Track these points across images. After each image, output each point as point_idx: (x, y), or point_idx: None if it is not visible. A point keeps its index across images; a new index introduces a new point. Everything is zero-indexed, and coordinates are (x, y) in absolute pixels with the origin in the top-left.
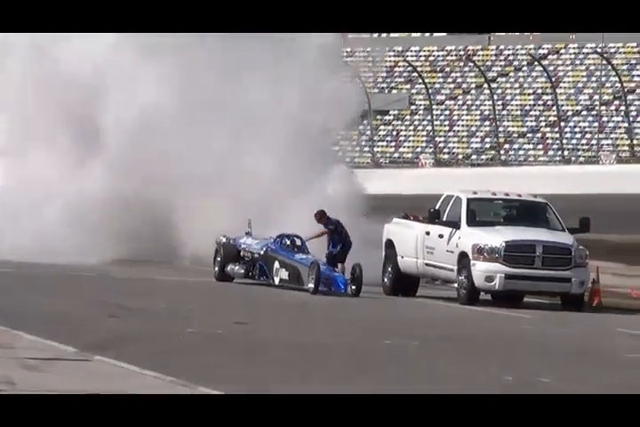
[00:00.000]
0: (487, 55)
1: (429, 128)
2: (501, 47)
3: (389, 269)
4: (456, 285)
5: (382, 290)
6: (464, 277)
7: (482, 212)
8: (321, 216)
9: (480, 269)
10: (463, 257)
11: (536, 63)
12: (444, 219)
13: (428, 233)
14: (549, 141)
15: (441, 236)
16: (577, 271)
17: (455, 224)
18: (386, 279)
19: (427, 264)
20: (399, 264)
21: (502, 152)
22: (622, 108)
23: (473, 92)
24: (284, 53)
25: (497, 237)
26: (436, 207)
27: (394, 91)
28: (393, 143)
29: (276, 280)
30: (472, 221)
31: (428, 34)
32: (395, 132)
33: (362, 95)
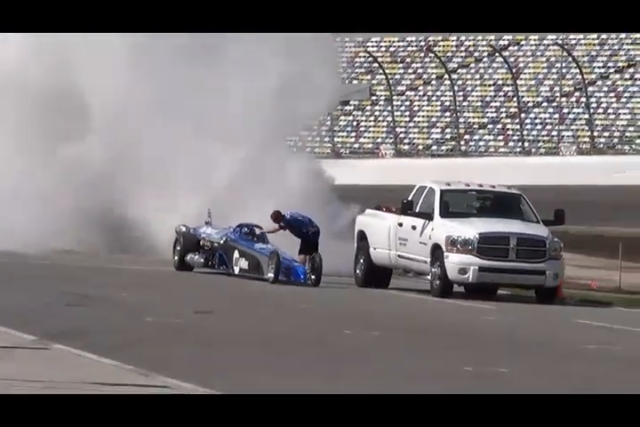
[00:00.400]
0: (448, 46)
1: (390, 119)
2: (462, 38)
3: (361, 260)
4: (429, 277)
5: (355, 281)
6: (437, 270)
7: (455, 203)
8: (276, 217)
9: (453, 261)
10: (436, 249)
11: (497, 54)
12: (417, 210)
13: (400, 224)
14: (510, 133)
15: (414, 227)
16: (551, 264)
17: (428, 216)
18: (358, 271)
19: (399, 256)
20: (371, 256)
21: (462, 143)
22: (583, 99)
23: (433, 82)
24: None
25: (470, 228)
26: (409, 198)
27: (354, 81)
28: (353, 134)
29: (236, 270)
30: (445, 213)
31: None
32: (355, 123)
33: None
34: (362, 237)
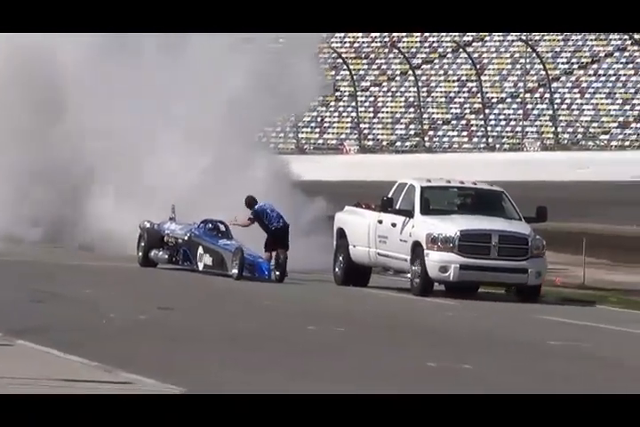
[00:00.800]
0: (412, 42)
1: (354, 115)
2: (426, 34)
3: (340, 258)
4: (409, 275)
5: (334, 280)
6: (417, 268)
7: (436, 200)
8: (249, 202)
9: (434, 259)
10: (417, 247)
11: (461, 50)
12: (398, 207)
13: (380, 222)
14: (474, 128)
15: (394, 225)
16: (533, 262)
17: (409, 213)
18: (337, 269)
19: (379, 254)
20: (351, 254)
21: (427, 139)
22: (547, 95)
23: (397, 78)
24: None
25: (451, 226)
26: (389, 195)
27: (318, 77)
28: (317, 129)
29: (200, 266)
30: (426, 210)
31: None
32: (319, 119)
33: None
34: (341, 234)
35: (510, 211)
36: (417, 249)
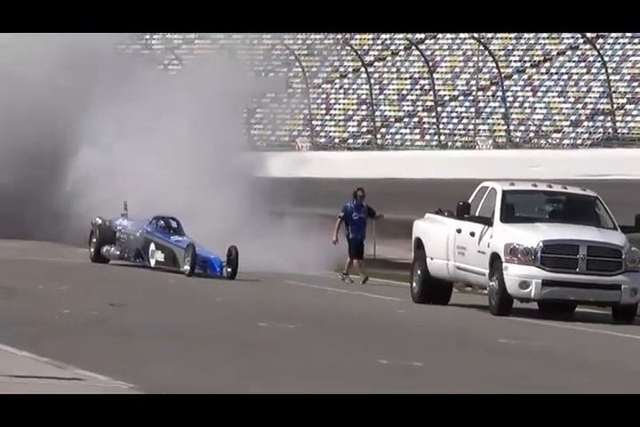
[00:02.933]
0: (364, 39)
1: (306, 111)
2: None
3: (418, 272)
4: (487, 291)
5: (410, 296)
6: (495, 283)
7: (521, 206)
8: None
9: (513, 273)
10: (495, 259)
11: (413, 48)
12: (477, 214)
13: (459, 231)
14: (426, 126)
15: (472, 234)
16: (628, 277)
17: (487, 220)
18: (414, 284)
19: (458, 267)
20: (428, 267)
21: (379, 136)
22: (499, 93)
23: (350, 75)
24: None
25: (534, 235)
26: (470, 200)
27: (271, 74)
28: (270, 126)
29: (152, 262)
30: (508, 217)
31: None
32: (271, 116)
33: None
34: (419, 245)
35: (605, 219)
36: (495, 262)
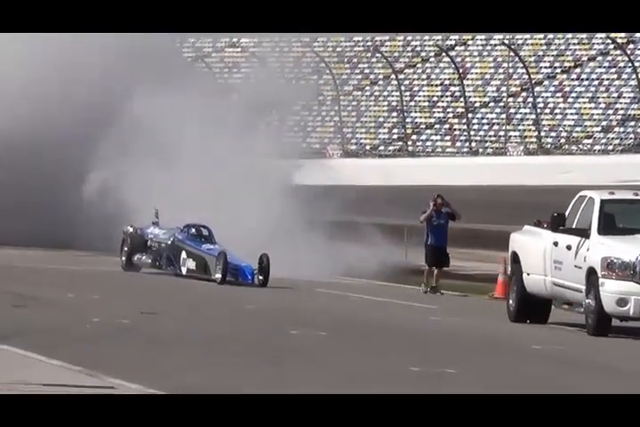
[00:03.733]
0: (394, 46)
1: (337, 119)
2: (409, 38)
3: (515, 288)
4: (582, 309)
5: (507, 314)
6: (592, 300)
7: (621, 216)
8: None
9: (610, 289)
10: (591, 274)
11: (443, 54)
12: (575, 225)
13: (556, 244)
14: (457, 133)
15: (569, 247)
16: None
17: (584, 232)
18: (511, 301)
19: (555, 283)
20: (524, 283)
21: (410, 143)
22: (530, 99)
23: (380, 82)
24: None
25: (633, 248)
26: (567, 210)
27: (301, 81)
28: (300, 134)
29: (184, 270)
30: (606, 229)
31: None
32: (302, 123)
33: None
34: (515, 259)
35: None
36: (591, 277)
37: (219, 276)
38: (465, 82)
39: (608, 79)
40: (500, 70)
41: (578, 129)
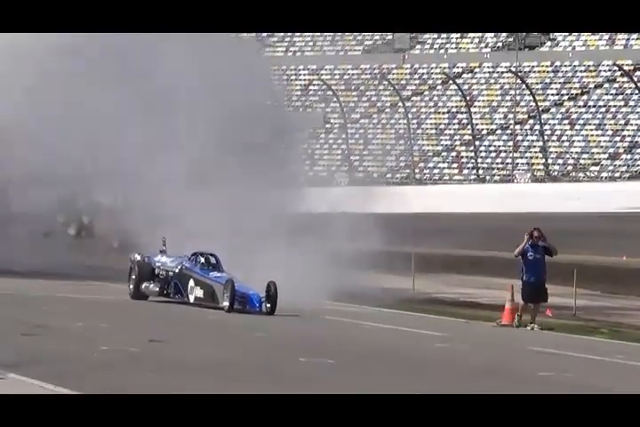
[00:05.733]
0: (402, 74)
1: (344, 146)
2: (416, 66)
3: None
4: None
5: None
6: None
7: None
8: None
9: None
10: None
11: (450, 82)
12: None
13: None
14: (464, 160)
15: None
16: None
17: None
18: None
19: None
20: None
21: (417, 171)
22: (537, 126)
23: (388, 110)
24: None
25: None
26: None
27: (308, 109)
28: (308, 162)
29: (191, 298)
30: None
31: (342, 52)
32: (309, 151)
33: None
34: None
35: None
36: None
37: (226, 304)
38: (472, 109)
39: (615, 106)
40: (508, 97)
41: (585, 156)
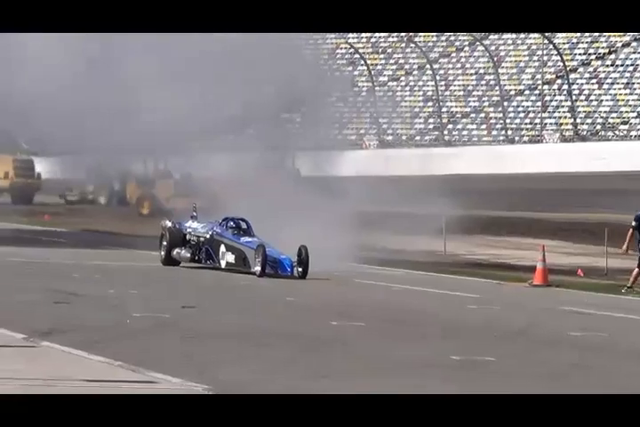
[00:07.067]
0: (429, 36)
1: (372, 110)
2: None
3: None
4: None
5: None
6: None
7: None
8: None
9: None
10: None
11: (477, 43)
12: None
13: None
14: (492, 121)
15: None
16: None
17: None
18: None
19: None
20: None
21: (446, 132)
22: (565, 86)
23: (415, 73)
24: None
25: None
26: None
27: (336, 73)
28: (336, 125)
29: (223, 264)
30: None
31: None
32: (337, 114)
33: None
34: None
35: None
36: None
37: (258, 268)
38: (500, 70)
39: None
40: (535, 58)
41: (613, 115)
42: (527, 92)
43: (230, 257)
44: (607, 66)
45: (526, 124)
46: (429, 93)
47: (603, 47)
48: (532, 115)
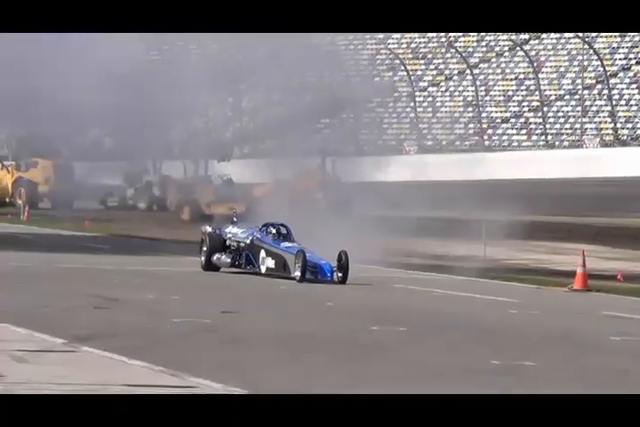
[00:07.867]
0: (468, 41)
1: (412, 115)
2: (482, 33)
3: None
4: None
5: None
6: None
7: None
8: None
9: None
10: None
11: (518, 48)
12: None
13: None
14: (532, 126)
15: None
16: None
17: None
18: None
19: None
20: None
21: (486, 138)
22: (605, 91)
23: (455, 78)
24: None
25: None
26: None
27: (376, 78)
28: (376, 131)
29: (263, 269)
30: None
31: None
32: (378, 120)
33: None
34: None
35: None
36: None
37: (298, 274)
38: (540, 75)
39: None
40: (575, 63)
41: None
42: (567, 97)
43: (270, 262)
44: None
45: (566, 128)
46: (469, 99)
47: None
48: (572, 120)
